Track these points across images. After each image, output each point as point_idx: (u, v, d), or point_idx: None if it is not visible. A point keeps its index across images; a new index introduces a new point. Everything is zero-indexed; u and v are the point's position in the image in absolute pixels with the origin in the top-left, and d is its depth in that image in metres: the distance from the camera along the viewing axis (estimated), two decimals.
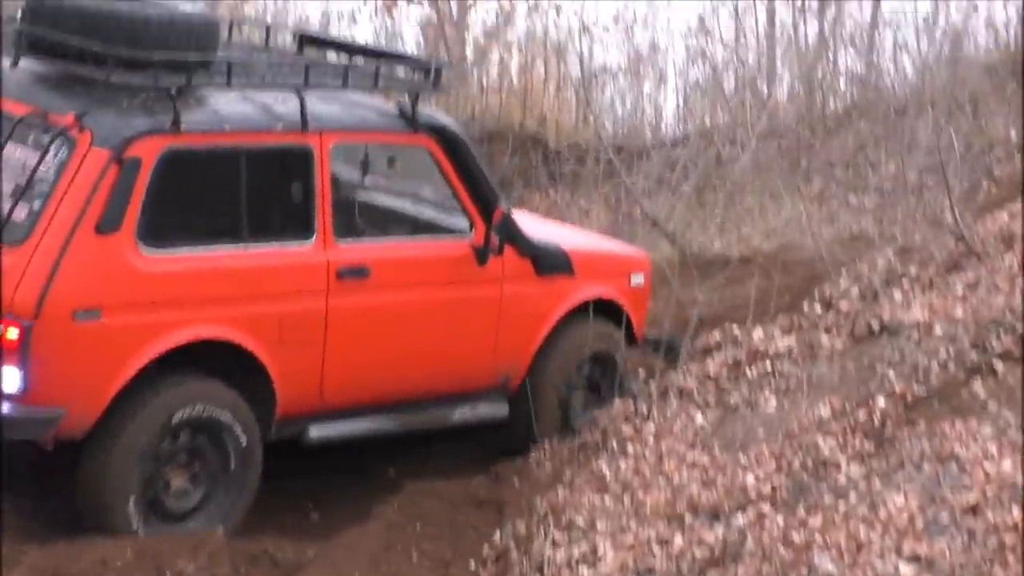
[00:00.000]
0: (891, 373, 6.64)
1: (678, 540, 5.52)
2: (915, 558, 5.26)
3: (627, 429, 6.73)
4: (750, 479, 5.90)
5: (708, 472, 6.03)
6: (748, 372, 7.14)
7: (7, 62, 5.17)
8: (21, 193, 4.78)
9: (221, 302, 5.06)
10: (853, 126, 13.69)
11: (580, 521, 5.78)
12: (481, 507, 6.23)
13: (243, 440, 5.22)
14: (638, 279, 6.59)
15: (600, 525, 5.71)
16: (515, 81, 16.20)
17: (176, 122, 4.95)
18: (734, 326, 7.92)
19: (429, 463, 6.54)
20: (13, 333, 4.64)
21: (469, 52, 15.36)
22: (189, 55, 5.00)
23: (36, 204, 4.79)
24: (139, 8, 5.05)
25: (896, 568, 5.17)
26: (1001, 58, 13.52)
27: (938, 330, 6.98)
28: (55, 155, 4.84)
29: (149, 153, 4.89)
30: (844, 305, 7.62)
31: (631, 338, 6.61)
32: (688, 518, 5.68)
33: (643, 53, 14.80)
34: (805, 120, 13.73)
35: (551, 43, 15.72)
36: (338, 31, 13.34)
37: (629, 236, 12.26)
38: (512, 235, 5.84)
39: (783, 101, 14.32)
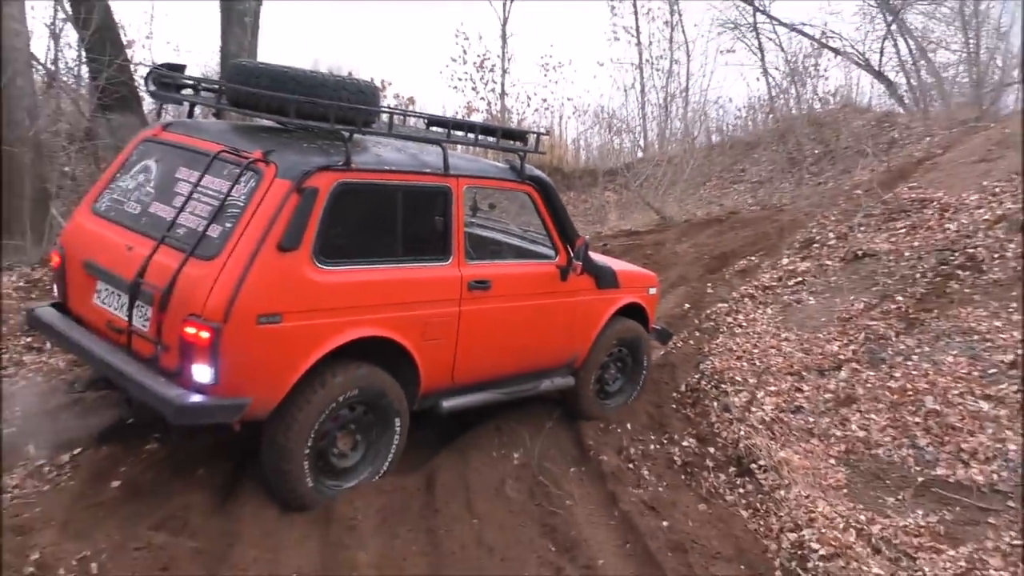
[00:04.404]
0: (888, 281, 8.75)
1: (807, 388, 7.44)
2: (987, 397, 6.58)
3: (730, 319, 8.90)
4: (834, 347, 7.90)
5: (802, 344, 8.04)
6: (788, 283, 9.50)
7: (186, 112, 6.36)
8: (214, 215, 5.45)
9: (379, 308, 5.85)
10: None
11: (738, 377, 7.70)
12: (661, 369, 8.20)
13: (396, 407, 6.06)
14: (652, 290, 8.02)
15: (751, 380, 7.63)
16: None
17: (347, 161, 5.71)
18: (753, 258, 10.53)
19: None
20: (205, 334, 5.22)
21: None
22: (359, 108, 5.79)
23: (227, 225, 5.42)
24: (317, 72, 5.91)
25: (977, 403, 6.49)
26: None
27: (906, 254, 9.20)
28: (245, 185, 5.51)
29: (325, 185, 5.60)
30: (832, 241, 10.24)
31: (645, 329, 8.07)
32: (805, 374, 7.59)
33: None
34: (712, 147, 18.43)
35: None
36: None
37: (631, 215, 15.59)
38: (586, 260, 7.13)
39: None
